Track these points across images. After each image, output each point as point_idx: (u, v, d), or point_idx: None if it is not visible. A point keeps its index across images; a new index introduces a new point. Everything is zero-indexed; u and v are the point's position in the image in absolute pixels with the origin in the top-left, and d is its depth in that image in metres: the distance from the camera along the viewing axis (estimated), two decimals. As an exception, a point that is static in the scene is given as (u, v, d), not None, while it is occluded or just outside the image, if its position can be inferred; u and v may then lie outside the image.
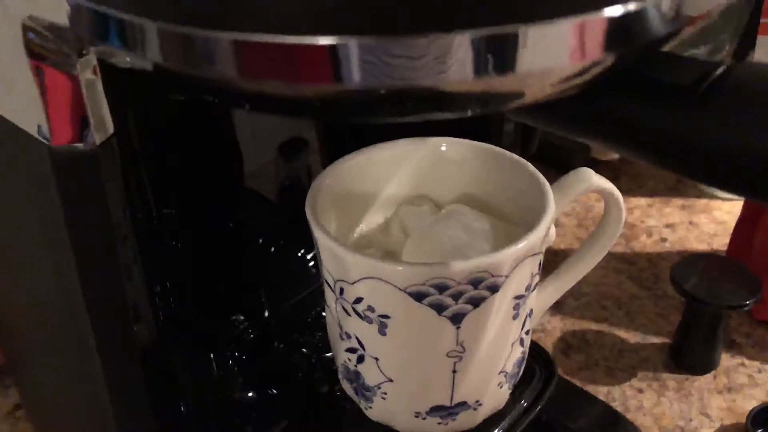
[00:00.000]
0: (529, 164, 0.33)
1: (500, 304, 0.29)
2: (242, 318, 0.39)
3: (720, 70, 0.20)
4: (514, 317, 0.31)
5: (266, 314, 0.40)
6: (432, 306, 0.28)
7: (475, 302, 0.28)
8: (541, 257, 0.31)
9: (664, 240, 0.60)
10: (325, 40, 0.18)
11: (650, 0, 0.19)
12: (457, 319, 0.29)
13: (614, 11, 0.18)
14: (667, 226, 0.62)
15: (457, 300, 0.28)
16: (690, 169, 0.21)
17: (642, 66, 0.21)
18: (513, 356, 0.32)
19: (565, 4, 0.18)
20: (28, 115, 0.24)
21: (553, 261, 0.37)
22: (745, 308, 0.44)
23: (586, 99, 0.21)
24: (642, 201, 0.65)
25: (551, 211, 0.30)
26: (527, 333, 0.33)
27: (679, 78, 0.20)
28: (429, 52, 0.18)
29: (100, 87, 0.23)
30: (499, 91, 0.20)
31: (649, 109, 0.20)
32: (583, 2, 0.18)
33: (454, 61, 0.18)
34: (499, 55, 0.18)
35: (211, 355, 0.38)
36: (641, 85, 0.21)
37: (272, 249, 0.40)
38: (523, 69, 0.19)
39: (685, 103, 0.20)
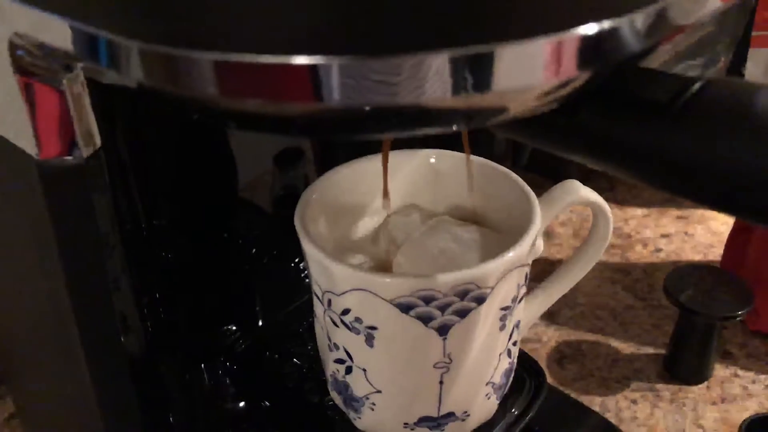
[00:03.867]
0: (518, 177, 0.34)
1: (487, 315, 0.29)
2: (234, 328, 0.39)
3: (697, 86, 0.20)
4: (501, 328, 0.31)
5: (258, 324, 0.41)
6: (419, 317, 0.28)
7: (462, 313, 0.29)
8: (527, 269, 0.31)
9: (659, 250, 0.60)
10: (304, 60, 0.18)
11: (624, 18, 0.19)
12: (443, 330, 0.29)
13: (589, 29, 0.19)
14: (663, 236, 0.62)
15: (444, 311, 0.28)
16: (667, 183, 0.21)
17: (620, 81, 0.21)
18: (500, 367, 0.32)
19: (539, 23, 0.18)
20: (17, 128, 0.24)
21: (549, 271, 0.38)
22: (737, 319, 0.44)
23: (565, 114, 0.22)
24: (638, 211, 0.65)
25: (537, 223, 0.30)
26: (515, 344, 0.33)
27: (656, 93, 0.20)
28: (407, 72, 0.18)
29: (87, 102, 0.23)
30: (478, 107, 0.20)
31: (626, 125, 0.21)
32: (558, 21, 0.19)
33: (432, 79, 0.18)
34: (476, 73, 0.19)
35: (202, 366, 0.38)
36: (619, 100, 0.21)
37: (265, 259, 0.40)
38: (500, 86, 0.19)
39: (662, 118, 0.20)
